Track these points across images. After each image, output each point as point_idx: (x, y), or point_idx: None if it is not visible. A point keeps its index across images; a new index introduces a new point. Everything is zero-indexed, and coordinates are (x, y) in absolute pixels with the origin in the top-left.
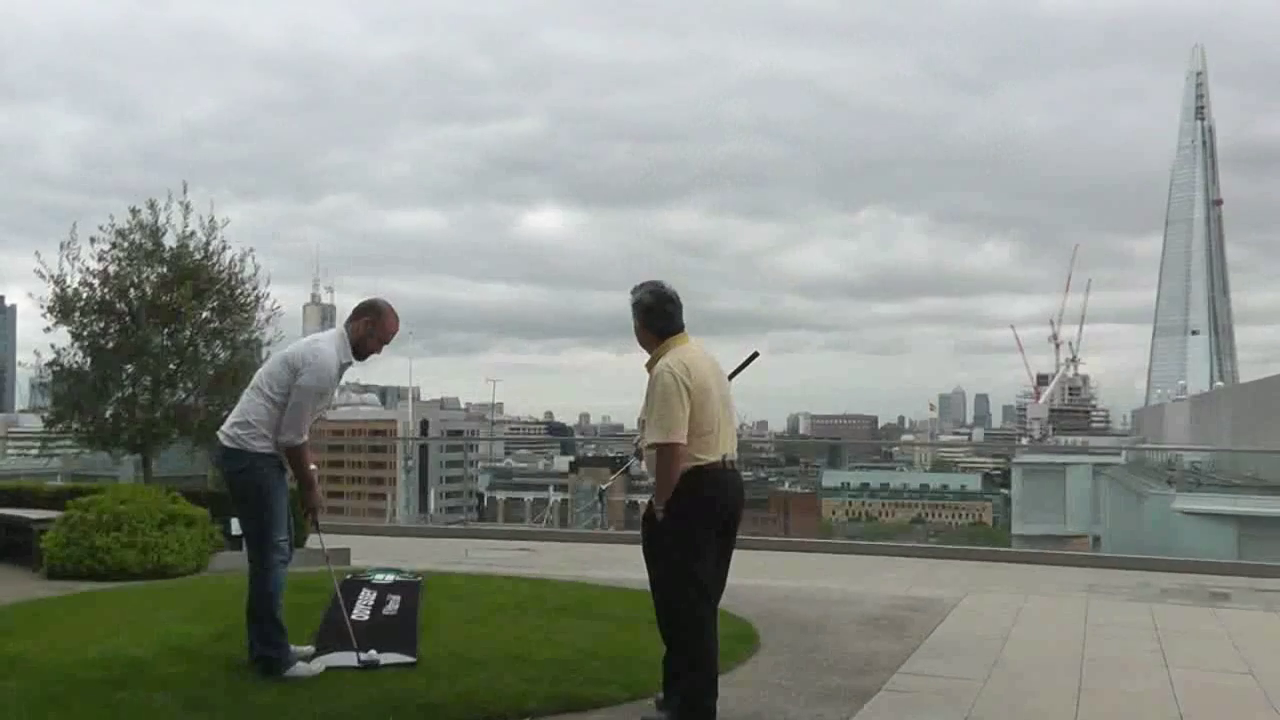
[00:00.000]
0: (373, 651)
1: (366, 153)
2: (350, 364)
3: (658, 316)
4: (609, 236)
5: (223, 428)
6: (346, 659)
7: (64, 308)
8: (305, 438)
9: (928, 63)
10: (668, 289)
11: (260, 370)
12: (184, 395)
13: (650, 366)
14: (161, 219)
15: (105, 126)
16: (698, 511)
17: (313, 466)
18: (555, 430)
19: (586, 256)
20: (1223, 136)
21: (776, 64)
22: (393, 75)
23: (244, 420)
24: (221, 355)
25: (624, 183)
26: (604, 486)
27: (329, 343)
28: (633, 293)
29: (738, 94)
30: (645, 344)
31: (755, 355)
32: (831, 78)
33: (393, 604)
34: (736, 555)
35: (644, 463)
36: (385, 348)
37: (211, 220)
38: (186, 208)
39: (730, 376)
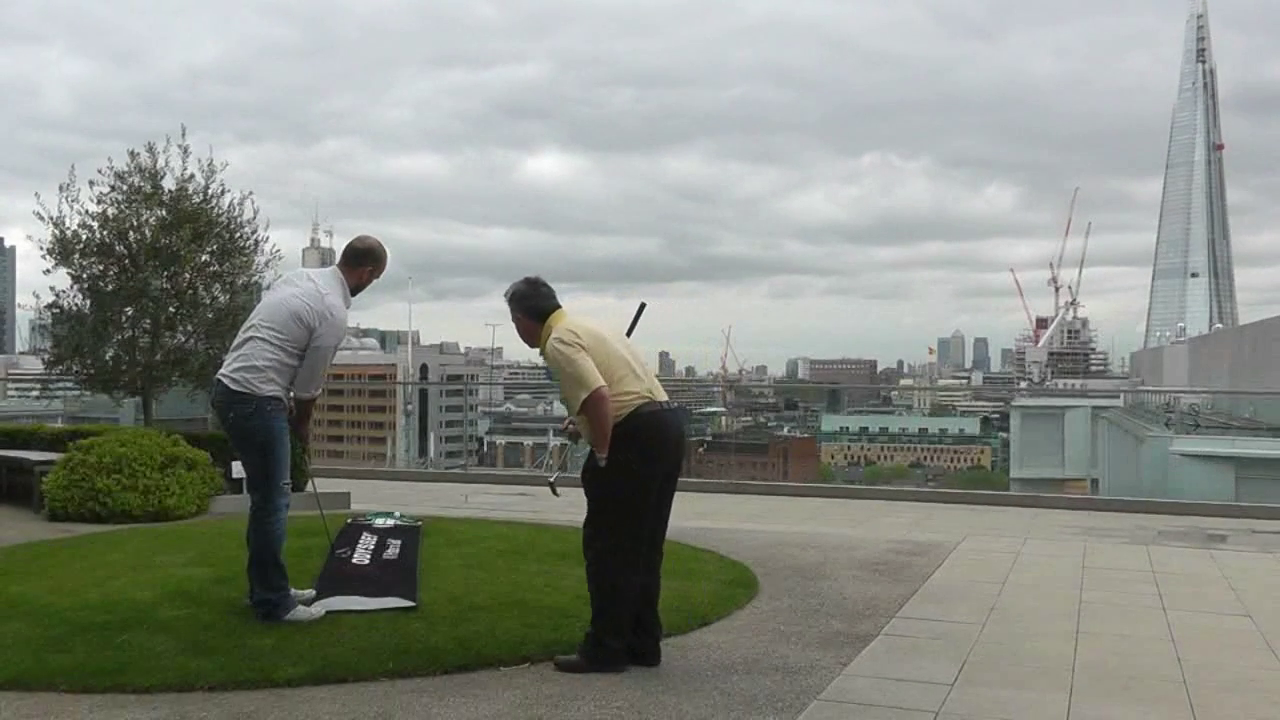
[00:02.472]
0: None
1: (368, 98)
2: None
3: (533, 298)
4: (611, 182)
5: (225, 371)
6: (347, 603)
7: (63, 250)
8: (321, 389)
9: (936, 7)
10: (537, 277)
11: (261, 317)
12: (184, 338)
13: (544, 352)
14: (160, 162)
15: (106, 69)
16: (638, 455)
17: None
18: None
19: (588, 202)
20: (1230, 80)
21: (784, 9)
22: (397, 20)
23: (251, 365)
24: (221, 298)
25: (627, 129)
26: (552, 479)
27: (336, 295)
28: (505, 293)
29: (744, 39)
30: (530, 334)
31: (643, 306)
32: (839, 22)
33: (393, 548)
34: (736, 499)
35: (583, 438)
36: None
37: (210, 164)
38: (185, 151)
39: (628, 333)
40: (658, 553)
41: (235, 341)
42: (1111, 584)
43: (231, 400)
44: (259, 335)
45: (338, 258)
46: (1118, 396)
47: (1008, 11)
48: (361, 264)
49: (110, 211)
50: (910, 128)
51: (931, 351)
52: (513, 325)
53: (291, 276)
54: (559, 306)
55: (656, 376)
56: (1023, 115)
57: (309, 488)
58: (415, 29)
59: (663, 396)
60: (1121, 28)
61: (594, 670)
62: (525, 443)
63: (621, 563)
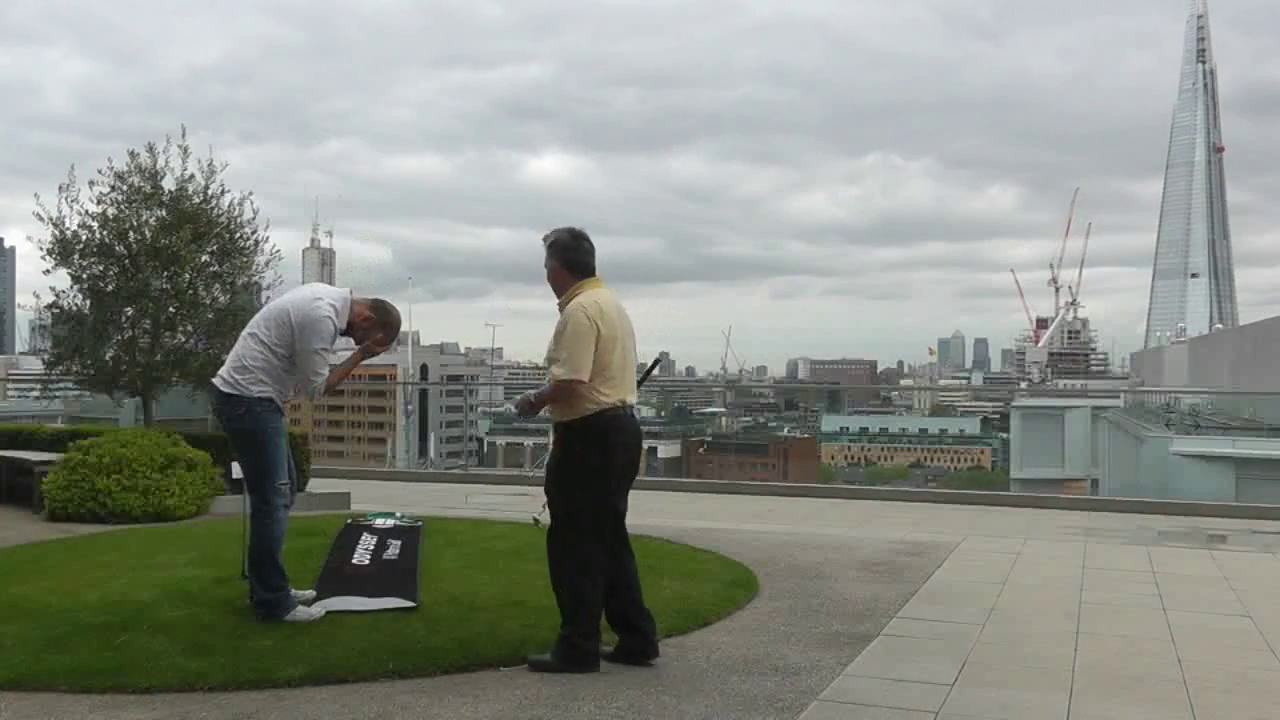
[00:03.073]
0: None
1: (370, 98)
2: (342, 332)
3: (575, 253)
4: (613, 182)
5: (219, 373)
6: (348, 604)
7: (63, 250)
8: (327, 370)
9: (941, 8)
10: (582, 230)
11: (258, 316)
12: (184, 338)
13: (563, 306)
14: (160, 162)
15: (108, 69)
16: (602, 457)
17: (325, 372)
18: None
19: (590, 202)
20: (1233, 80)
21: (789, 9)
22: (401, 21)
23: (241, 365)
24: (221, 299)
25: (630, 129)
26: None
27: (328, 300)
28: (546, 236)
29: (749, 39)
30: (560, 284)
31: (658, 361)
32: (844, 22)
33: (393, 549)
34: (736, 499)
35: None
36: (354, 344)
37: (210, 164)
38: (185, 151)
39: (639, 383)
40: (628, 550)
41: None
42: (1112, 584)
43: (224, 402)
44: (251, 333)
45: (337, 260)
46: (1118, 397)
47: (1013, 12)
48: (371, 308)
49: (110, 212)
50: (913, 128)
51: (932, 352)
52: (546, 275)
53: (302, 285)
54: (594, 271)
55: (657, 378)
56: (1026, 115)
57: (311, 487)
58: (419, 29)
59: (632, 401)
60: (1126, 27)
61: (566, 671)
62: (526, 443)
63: (581, 562)
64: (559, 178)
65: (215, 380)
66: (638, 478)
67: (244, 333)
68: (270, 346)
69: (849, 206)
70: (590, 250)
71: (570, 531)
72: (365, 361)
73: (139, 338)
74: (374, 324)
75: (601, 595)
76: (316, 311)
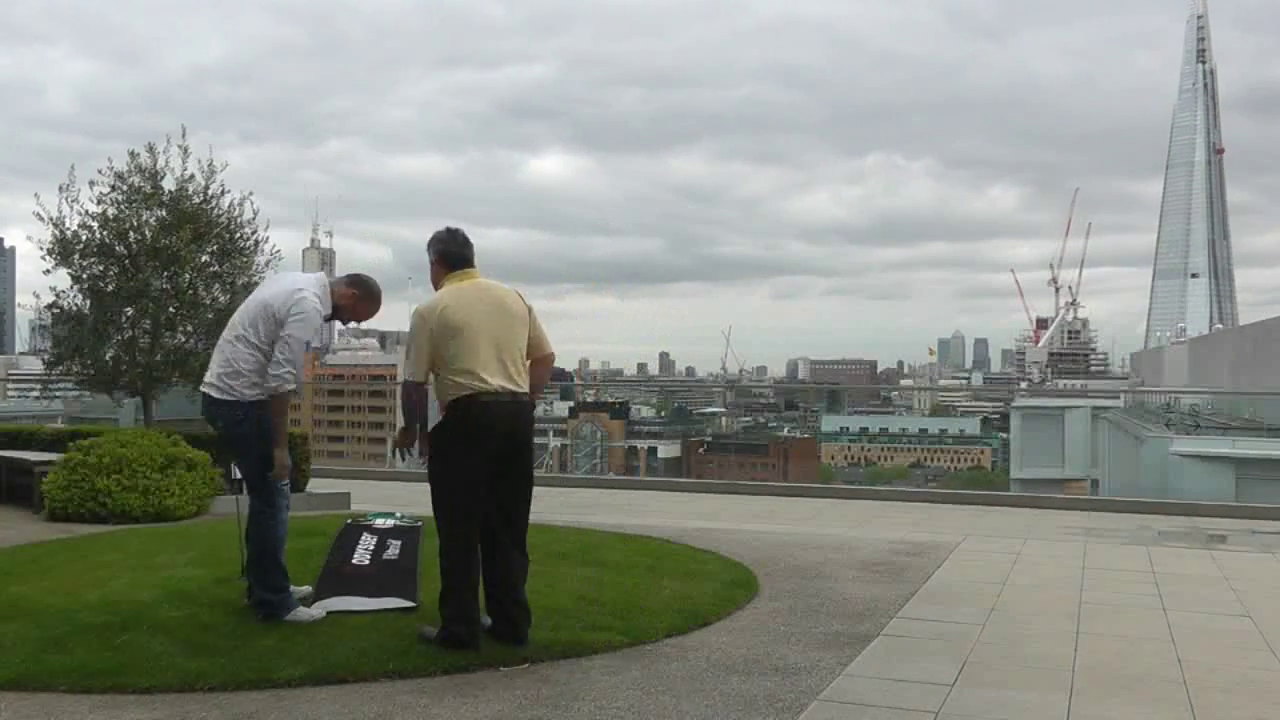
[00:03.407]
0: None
1: (372, 98)
2: (327, 317)
3: (449, 244)
4: (614, 183)
5: (208, 379)
6: (348, 604)
7: (63, 250)
8: (292, 382)
9: (946, 7)
10: (459, 229)
11: (238, 318)
12: (184, 339)
13: None
14: (160, 162)
15: (110, 69)
16: (461, 441)
17: (297, 367)
18: (555, 375)
19: (591, 202)
20: (1236, 80)
21: (793, 9)
22: (404, 20)
23: (233, 370)
24: (221, 299)
25: (632, 129)
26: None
27: (311, 290)
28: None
29: (752, 39)
30: (436, 278)
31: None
32: (847, 22)
33: (393, 549)
34: (736, 500)
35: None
36: (342, 325)
37: (210, 164)
38: (185, 151)
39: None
40: (516, 548)
41: (218, 345)
42: (1112, 584)
43: (218, 409)
44: (239, 335)
45: (338, 260)
46: (1118, 397)
47: (1016, 12)
48: (351, 285)
49: (110, 212)
50: (915, 128)
51: (932, 352)
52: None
53: (274, 276)
54: (471, 264)
55: (657, 378)
56: (1028, 116)
57: (310, 487)
58: (422, 29)
59: (516, 388)
60: (1127, 28)
61: (445, 650)
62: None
63: (455, 547)
64: (560, 178)
65: (206, 388)
66: (636, 477)
67: (229, 336)
68: (259, 347)
69: (850, 206)
70: (464, 243)
71: (438, 515)
72: (364, 362)
73: (139, 338)
74: (358, 298)
75: (472, 581)
76: (305, 304)
